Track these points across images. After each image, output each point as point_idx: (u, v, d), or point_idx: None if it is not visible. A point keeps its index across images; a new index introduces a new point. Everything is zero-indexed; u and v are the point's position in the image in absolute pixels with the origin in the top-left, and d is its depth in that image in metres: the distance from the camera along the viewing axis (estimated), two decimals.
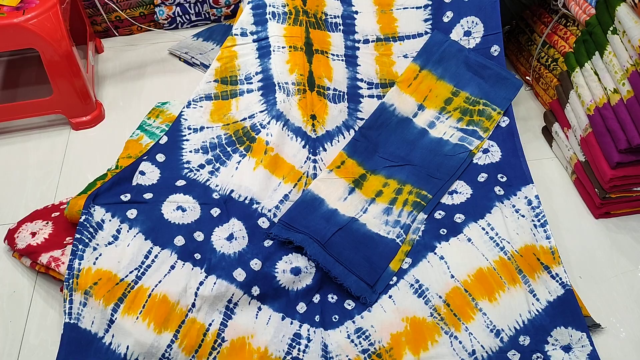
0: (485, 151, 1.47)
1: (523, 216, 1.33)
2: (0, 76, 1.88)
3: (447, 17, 1.59)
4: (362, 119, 1.53)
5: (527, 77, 1.76)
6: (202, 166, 1.43)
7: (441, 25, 1.60)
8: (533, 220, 1.32)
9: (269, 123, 1.47)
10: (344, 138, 1.48)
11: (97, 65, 1.94)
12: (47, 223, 1.34)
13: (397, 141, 1.49)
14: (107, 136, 1.68)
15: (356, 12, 1.61)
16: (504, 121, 1.50)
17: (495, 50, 1.56)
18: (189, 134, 1.48)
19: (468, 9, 1.57)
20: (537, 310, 1.18)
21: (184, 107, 1.51)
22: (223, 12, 2.11)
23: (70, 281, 1.17)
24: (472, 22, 1.58)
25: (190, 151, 1.46)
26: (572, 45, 1.50)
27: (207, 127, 1.49)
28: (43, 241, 1.29)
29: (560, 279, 1.22)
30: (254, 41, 1.55)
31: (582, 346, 1.14)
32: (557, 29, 1.60)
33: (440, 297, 1.20)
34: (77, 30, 1.87)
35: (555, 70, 1.60)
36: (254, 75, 1.53)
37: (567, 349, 1.14)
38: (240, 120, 1.49)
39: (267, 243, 1.28)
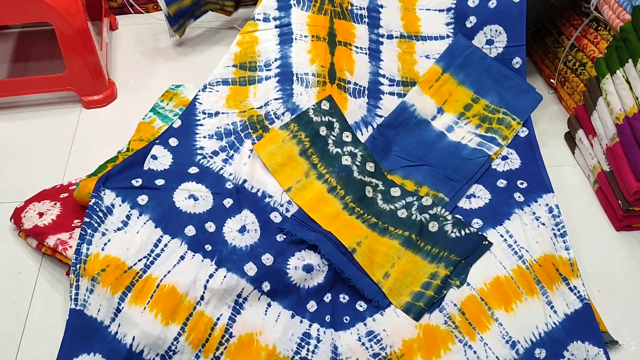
0: (504, 158, 1.44)
1: (543, 224, 1.30)
2: (12, 48, 1.84)
3: (470, 22, 1.55)
4: (380, 116, 1.49)
5: (552, 80, 1.72)
6: (215, 153, 1.39)
7: (464, 31, 1.56)
8: (553, 229, 1.29)
9: (283, 114, 1.43)
10: (362, 135, 1.44)
11: (110, 43, 1.89)
12: (55, 204, 1.31)
13: (414, 142, 1.45)
14: (118, 116, 1.64)
15: (381, 6, 1.57)
16: (522, 131, 1.48)
17: (517, 63, 1.53)
18: (204, 118, 1.44)
19: (493, 17, 1.53)
20: (554, 323, 1.15)
21: (199, 91, 1.47)
22: None
23: (78, 266, 1.13)
24: (496, 31, 1.53)
25: (204, 137, 1.42)
26: (603, 50, 1.45)
27: (223, 113, 1.45)
28: (50, 222, 1.26)
29: (579, 292, 1.19)
30: (276, 27, 1.50)
31: None
32: (587, 33, 1.56)
33: (455, 305, 1.17)
34: (92, 6, 1.82)
35: (583, 75, 1.55)
36: (272, 62, 1.49)
37: None
38: (257, 108, 1.46)
39: (280, 238, 1.25)
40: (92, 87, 1.64)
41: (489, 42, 1.54)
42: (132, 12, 2.03)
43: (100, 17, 1.86)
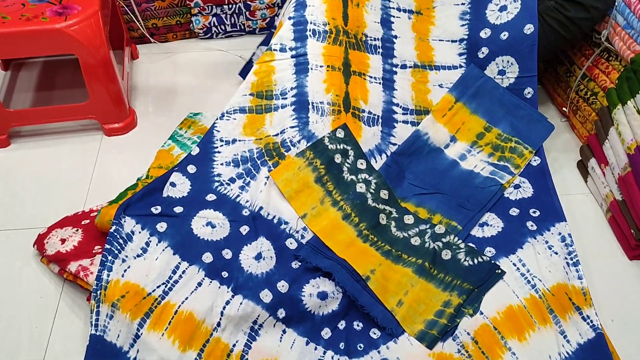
0: (517, 187, 1.46)
1: (556, 253, 1.31)
2: (37, 77, 1.90)
3: (483, 53, 1.58)
4: (394, 144, 1.51)
5: (564, 109, 1.74)
6: (232, 180, 1.42)
7: (476, 61, 1.59)
8: (566, 258, 1.30)
9: (299, 142, 1.46)
10: (376, 162, 1.47)
11: (131, 72, 1.95)
12: (76, 230, 1.34)
13: (427, 169, 1.48)
14: (138, 144, 1.68)
15: (396, 37, 1.61)
16: (535, 160, 1.50)
17: (528, 93, 1.56)
18: (221, 145, 1.48)
19: (505, 48, 1.56)
20: (567, 353, 1.16)
21: (217, 119, 1.51)
22: (258, 24, 2.11)
23: (98, 292, 1.16)
24: (508, 61, 1.57)
25: (222, 164, 1.45)
26: (614, 80, 1.47)
27: (240, 140, 1.49)
28: (72, 249, 1.29)
29: (592, 321, 1.20)
30: (292, 57, 1.54)
31: None
32: (599, 63, 1.58)
33: (468, 333, 1.18)
34: (115, 36, 1.88)
35: (595, 104, 1.57)
36: (289, 91, 1.52)
37: None
38: (273, 135, 1.49)
39: (295, 265, 1.27)
40: (113, 115, 1.68)
41: (501, 72, 1.57)
42: (153, 41, 2.08)
43: (122, 46, 1.92)
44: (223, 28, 2.09)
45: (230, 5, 2.03)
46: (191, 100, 1.84)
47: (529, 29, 1.54)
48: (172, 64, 2.01)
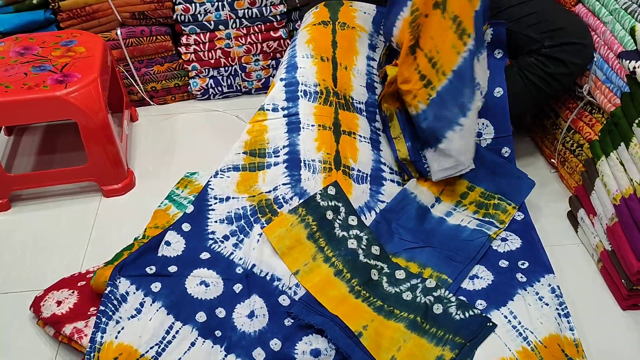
0: (504, 240, 1.48)
1: (547, 304, 1.31)
2: (39, 141, 1.96)
3: None
4: (383, 202, 1.55)
5: (552, 160, 1.77)
6: (226, 237, 1.45)
7: None
8: (557, 309, 1.31)
9: (291, 199, 1.49)
10: (366, 219, 1.50)
11: (130, 134, 2.00)
12: (72, 292, 1.36)
13: (417, 225, 1.50)
14: (136, 204, 1.72)
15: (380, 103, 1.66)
16: (519, 215, 1.54)
17: (505, 152, 1.61)
18: (215, 203, 1.51)
19: (480, 112, 1.60)
20: None
21: (211, 177, 1.55)
22: (254, 84, 2.18)
23: (92, 355, 1.18)
24: (483, 124, 1.62)
25: (216, 221, 1.48)
26: (598, 133, 1.51)
27: (233, 198, 1.52)
28: (68, 311, 1.31)
29: None
30: (284, 116, 1.59)
31: None
32: (582, 115, 1.62)
33: None
34: (114, 99, 1.95)
35: (581, 155, 1.60)
36: (281, 149, 1.56)
37: None
38: (266, 192, 1.52)
39: (288, 322, 1.28)
40: (111, 177, 1.73)
41: (479, 134, 1.62)
42: (152, 103, 2.15)
43: (121, 109, 1.98)
44: (220, 89, 2.16)
45: (226, 68, 2.11)
46: (189, 160, 1.88)
47: (498, 92, 1.61)
48: (170, 125, 2.07)
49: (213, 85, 2.14)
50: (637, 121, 1.32)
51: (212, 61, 2.08)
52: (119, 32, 1.94)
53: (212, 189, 1.53)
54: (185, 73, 2.11)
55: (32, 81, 1.57)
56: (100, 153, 1.67)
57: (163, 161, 1.89)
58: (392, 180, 1.60)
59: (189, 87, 2.15)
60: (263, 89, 2.20)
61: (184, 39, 2.02)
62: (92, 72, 1.62)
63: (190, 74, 2.11)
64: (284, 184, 1.51)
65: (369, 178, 1.57)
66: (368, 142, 1.61)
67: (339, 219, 1.45)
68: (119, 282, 1.30)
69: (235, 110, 2.12)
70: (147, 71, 2.06)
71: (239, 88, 2.18)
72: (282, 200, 1.49)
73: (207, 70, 2.10)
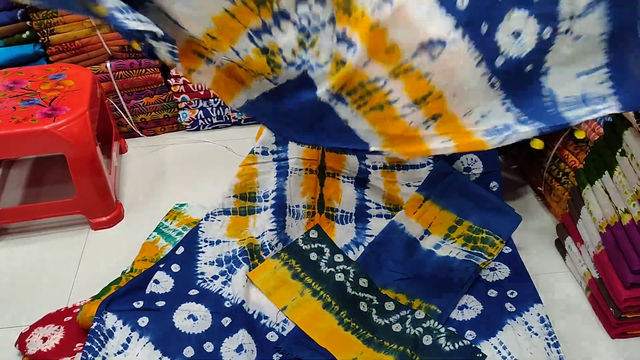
0: (492, 269, 1.49)
1: (536, 334, 1.31)
2: (27, 174, 1.95)
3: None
4: (370, 236, 1.56)
5: (539, 188, 1.79)
6: (215, 277, 1.46)
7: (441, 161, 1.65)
8: (547, 339, 1.30)
9: (276, 245, 1.52)
10: (354, 254, 1.51)
11: (119, 165, 2.00)
12: (58, 328, 1.35)
13: (405, 256, 1.51)
14: (124, 236, 1.71)
15: None
16: (506, 249, 1.55)
17: (494, 187, 1.63)
18: (205, 246, 1.52)
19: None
20: None
21: (202, 220, 1.56)
22: (243, 115, 2.20)
23: None
24: (472, 159, 1.64)
25: (205, 263, 1.49)
26: (582, 161, 1.52)
27: (224, 241, 1.54)
28: (53, 347, 1.29)
29: None
30: (274, 160, 1.61)
31: None
32: (568, 144, 1.64)
33: None
34: (103, 131, 1.95)
35: (567, 184, 1.62)
36: (270, 193, 1.58)
37: None
38: (255, 237, 1.54)
39: (276, 357, 1.27)
40: (99, 209, 1.72)
41: (467, 169, 1.64)
42: (141, 135, 2.16)
43: (110, 141, 1.98)
44: (209, 120, 2.17)
45: (216, 99, 2.12)
46: (178, 191, 1.88)
47: None
48: (160, 156, 2.07)
49: (202, 116, 2.15)
50: (620, 150, 1.34)
51: (202, 92, 2.09)
52: (108, 65, 1.96)
53: (203, 232, 1.54)
54: (174, 104, 2.12)
55: (20, 115, 1.57)
56: (89, 185, 1.67)
57: (152, 192, 1.89)
58: (380, 215, 1.62)
59: (178, 119, 2.16)
60: (252, 119, 2.21)
61: (173, 71, 2.03)
62: (80, 106, 1.62)
63: (180, 105, 2.12)
64: (270, 230, 1.53)
65: (353, 217, 1.61)
66: (351, 182, 1.63)
67: (324, 259, 1.47)
68: (106, 317, 1.28)
69: (225, 141, 2.13)
70: (136, 103, 2.07)
71: (228, 119, 2.19)
72: (268, 247, 1.51)
73: (196, 101, 2.11)
